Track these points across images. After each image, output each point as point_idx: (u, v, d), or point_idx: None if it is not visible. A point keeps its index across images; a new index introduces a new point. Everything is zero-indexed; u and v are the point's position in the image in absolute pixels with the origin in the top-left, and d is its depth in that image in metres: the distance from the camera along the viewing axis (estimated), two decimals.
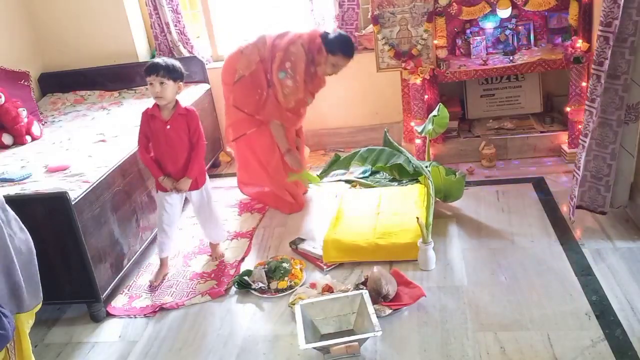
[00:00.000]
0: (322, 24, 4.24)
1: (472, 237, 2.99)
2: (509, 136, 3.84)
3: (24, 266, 1.86)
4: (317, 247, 2.98)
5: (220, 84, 4.40)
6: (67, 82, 4.40)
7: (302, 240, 3.12)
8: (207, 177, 3.02)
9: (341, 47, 3.26)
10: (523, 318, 2.34)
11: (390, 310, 2.45)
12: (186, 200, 3.05)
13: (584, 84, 3.54)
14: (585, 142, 2.74)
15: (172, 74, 2.74)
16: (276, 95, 3.33)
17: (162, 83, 2.72)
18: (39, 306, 1.99)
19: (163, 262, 3.01)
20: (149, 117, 2.83)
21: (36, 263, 1.92)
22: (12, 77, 3.88)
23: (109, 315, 2.75)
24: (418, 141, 3.82)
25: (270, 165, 3.50)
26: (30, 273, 1.89)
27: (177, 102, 2.84)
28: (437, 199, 3.24)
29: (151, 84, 2.75)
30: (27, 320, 1.92)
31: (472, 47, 3.88)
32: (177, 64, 2.80)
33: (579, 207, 2.87)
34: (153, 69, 2.72)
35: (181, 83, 2.81)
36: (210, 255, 3.15)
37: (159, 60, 2.76)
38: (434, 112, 3.29)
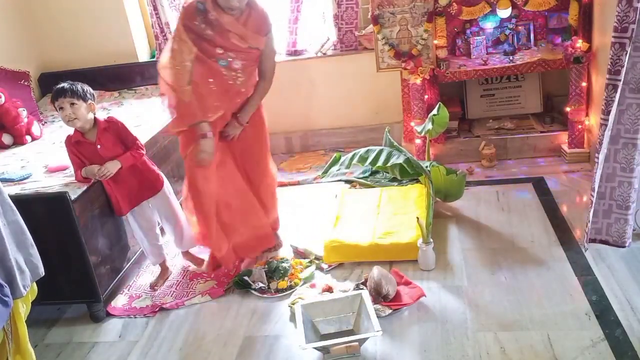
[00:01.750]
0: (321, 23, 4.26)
1: (472, 237, 2.99)
2: (509, 136, 3.84)
3: (16, 251, 1.88)
4: (317, 247, 2.98)
5: None
6: None
7: (302, 240, 3.11)
8: (164, 179, 2.90)
9: None
10: (523, 318, 2.34)
11: (390, 310, 2.45)
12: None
13: (583, 84, 3.54)
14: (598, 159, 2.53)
15: (81, 94, 2.62)
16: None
17: (72, 104, 2.59)
18: (35, 293, 2.01)
19: (162, 266, 2.99)
20: (74, 145, 2.68)
21: (30, 242, 1.94)
22: (12, 77, 3.89)
23: (109, 315, 2.75)
24: (418, 141, 3.82)
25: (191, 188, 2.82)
26: (24, 253, 1.91)
27: (95, 119, 2.70)
28: (437, 199, 3.24)
29: (61, 108, 2.60)
30: (21, 305, 1.94)
31: (472, 47, 3.88)
32: (86, 87, 2.68)
33: (604, 242, 2.64)
34: (60, 93, 2.60)
35: (92, 102, 2.68)
36: (195, 266, 3.02)
37: (64, 84, 2.64)
38: (434, 112, 3.29)
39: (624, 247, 2.59)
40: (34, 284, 2.00)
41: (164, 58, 2.62)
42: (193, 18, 2.54)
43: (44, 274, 2.01)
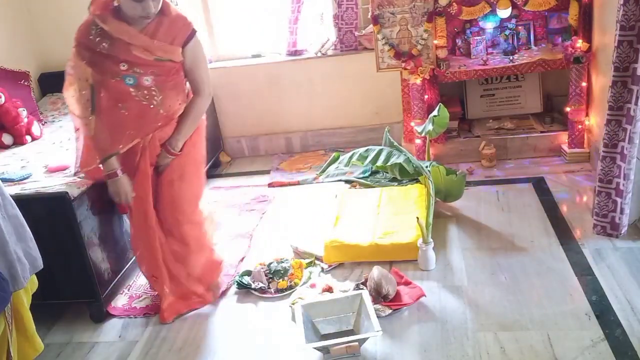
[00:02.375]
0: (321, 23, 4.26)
1: (472, 237, 2.99)
2: (509, 136, 3.84)
3: (16, 243, 1.90)
4: (317, 247, 2.98)
5: (220, 83, 4.43)
6: None
7: (302, 240, 3.11)
8: None
9: None
10: (523, 318, 2.34)
11: (390, 310, 2.45)
12: None
13: (584, 84, 3.54)
14: (612, 153, 2.59)
15: None
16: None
17: None
18: (36, 285, 2.03)
19: None
20: None
21: (29, 235, 1.97)
22: (12, 77, 3.88)
23: (109, 315, 2.75)
24: (418, 141, 3.82)
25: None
26: (23, 245, 1.93)
27: None
28: (437, 199, 3.24)
29: None
30: (23, 295, 1.96)
31: (472, 47, 3.88)
32: None
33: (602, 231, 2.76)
34: None
35: None
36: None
37: None
38: (434, 112, 3.29)
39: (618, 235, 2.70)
40: (34, 276, 2.02)
41: (64, 86, 2.36)
42: (87, 32, 2.28)
43: (42, 266, 2.03)
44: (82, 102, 2.31)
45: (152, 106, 2.32)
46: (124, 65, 2.24)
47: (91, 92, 2.29)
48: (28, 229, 1.99)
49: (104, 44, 2.23)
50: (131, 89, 2.27)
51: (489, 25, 3.88)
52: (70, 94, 2.34)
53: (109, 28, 2.22)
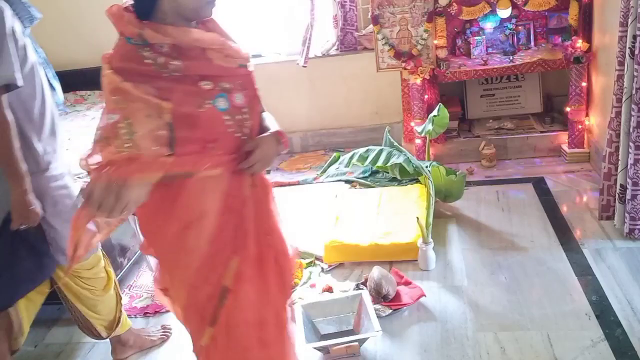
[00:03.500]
0: (320, 23, 4.25)
1: (472, 237, 2.99)
2: (509, 136, 3.84)
3: None
4: (317, 247, 2.98)
5: None
6: (67, 82, 4.33)
7: (302, 240, 3.11)
8: None
9: None
10: (523, 318, 2.34)
11: (390, 310, 2.45)
12: None
13: (584, 84, 3.54)
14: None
15: None
16: None
17: None
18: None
19: None
20: None
21: None
22: None
23: None
24: (418, 141, 3.82)
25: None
26: None
27: None
28: (437, 199, 3.24)
29: None
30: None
31: (472, 47, 3.88)
32: None
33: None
34: None
35: None
36: None
37: None
38: (434, 112, 3.29)
39: None
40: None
41: (107, 146, 1.39)
42: (137, 57, 1.44)
43: None
44: (157, 144, 1.40)
45: (244, 138, 1.57)
46: (207, 84, 1.50)
47: (171, 131, 1.43)
48: None
49: (174, 62, 1.45)
50: (225, 117, 1.52)
51: (489, 25, 3.88)
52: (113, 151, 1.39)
53: (172, 39, 1.45)
